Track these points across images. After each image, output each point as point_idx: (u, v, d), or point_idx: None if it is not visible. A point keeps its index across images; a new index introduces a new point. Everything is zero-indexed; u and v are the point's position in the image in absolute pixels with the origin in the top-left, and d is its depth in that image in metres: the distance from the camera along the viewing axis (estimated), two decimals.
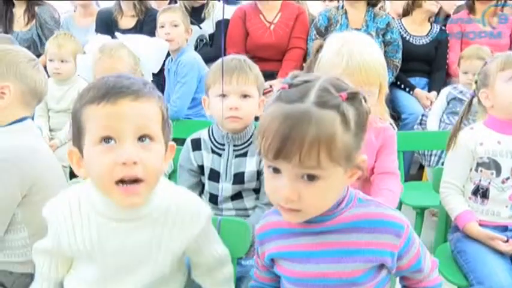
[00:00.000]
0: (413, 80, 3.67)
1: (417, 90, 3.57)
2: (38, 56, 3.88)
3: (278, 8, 3.63)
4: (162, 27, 3.01)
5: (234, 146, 1.83)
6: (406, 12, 3.80)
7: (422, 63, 3.71)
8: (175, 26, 2.96)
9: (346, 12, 3.53)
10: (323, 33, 3.53)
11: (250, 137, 1.84)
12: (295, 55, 3.54)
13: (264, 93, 3.32)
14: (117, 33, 2.22)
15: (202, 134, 1.89)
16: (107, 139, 1.03)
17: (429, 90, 3.63)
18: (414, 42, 3.69)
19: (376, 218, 1.04)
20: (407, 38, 3.69)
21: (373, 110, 1.60)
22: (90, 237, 1.12)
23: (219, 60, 1.86)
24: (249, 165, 1.82)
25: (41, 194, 1.41)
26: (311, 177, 0.94)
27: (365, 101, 1.00)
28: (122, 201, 1.05)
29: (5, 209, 1.38)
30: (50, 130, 2.89)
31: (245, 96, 1.78)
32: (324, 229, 1.04)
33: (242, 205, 1.86)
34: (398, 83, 3.63)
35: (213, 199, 1.86)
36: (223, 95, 1.77)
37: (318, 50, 2.60)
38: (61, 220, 1.14)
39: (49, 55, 2.91)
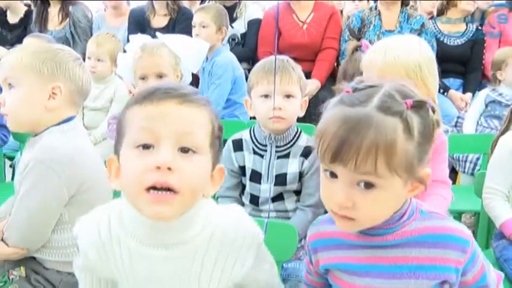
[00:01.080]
0: (447, 81, 3.61)
1: (452, 92, 3.51)
2: None
3: (311, 7, 3.61)
4: (194, 26, 3.02)
5: (276, 147, 1.81)
6: (441, 12, 3.74)
7: (457, 64, 3.65)
8: (204, 27, 2.97)
9: (379, 13, 3.49)
10: (356, 34, 3.50)
11: (293, 138, 1.82)
12: (329, 55, 3.51)
13: None
14: (158, 33, 2.21)
15: (244, 135, 1.88)
16: (144, 145, 0.91)
17: (464, 92, 3.57)
18: (449, 43, 3.63)
19: (440, 232, 0.99)
20: (442, 38, 3.63)
21: None
22: (123, 264, 0.99)
23: (262, 61, 1.85)
24: (291, 167, 1.81)
25: (88, 194, 1.41)
26: (368, 185, 0.91)
27: (433, 111, 0.95)
28: (149, 210, 0.90)
29: (53, 209, 1.38)
30: (85, 128, 2.89)
31: (288, 96, 1.77)
32: (385, 243, 1.00)
33: (283, 207, 1.84)
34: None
35: (254, 200, 1.85)
36: (267, 96, 1.76)
37: (353, 51, 2.59)
38: (90, 240, 1.01)
39: (87, 53, 2.93)
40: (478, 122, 3.01)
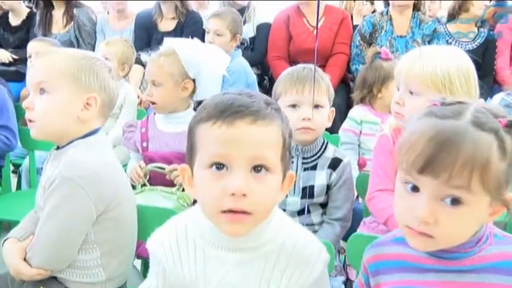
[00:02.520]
0: None
1: None
2: None
3: (322, 11, 3.55)
4: (208, 32, 2.94)
5: (303, 158, 1.75)
6: (452, 17, 3.69)
7: None
8: (219, 35, 2.89)
9: (391, 18, 3.43)
10: (367, 39, 3.44)
11: (320, 149, 1.76)
12: (339, 61, 3.46)
13: None
14: (175, 39, 2.12)
15: None
16: (218, 165, 0.94)
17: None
18: (460, 48, 3.57)
19: None
20: (453, 43, 3.59)
21: None
22: (196, 267, 1.03)
23: (290, 69, 1.79)
24: (319, 179, 1.74)
25: (115, 211, 1.33)
26: (454, 201, 0.87)
27: None
28: (225, 228, 0.96)
29: (80, 228, 1.30)
30: None
31: (317, 106, 1.70)
32: (461, 268, 0.94)
33: (309, 220, 1.78)
34: None
35: None
36: (295, 105, 1.70)
37: (373, 59, 2.53)
38: (167, 249, 1.05)
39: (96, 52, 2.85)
40: None
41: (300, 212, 1.77)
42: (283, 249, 1.02)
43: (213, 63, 2.01)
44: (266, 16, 3.69)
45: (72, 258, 1.30)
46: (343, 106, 3.28)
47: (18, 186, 2.82)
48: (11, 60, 3.81)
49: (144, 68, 3.54)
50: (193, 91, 2.04)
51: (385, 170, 1.62)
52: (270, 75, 3.68)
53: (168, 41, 2.11)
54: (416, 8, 3.45)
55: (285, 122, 1.01)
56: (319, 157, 1.76)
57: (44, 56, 1.37)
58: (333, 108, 1.80)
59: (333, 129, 2.78)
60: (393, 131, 1.65)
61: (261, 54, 3.56)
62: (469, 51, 3.46)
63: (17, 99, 3.65)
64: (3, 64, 3.84)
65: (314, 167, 1.75)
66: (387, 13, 3.47)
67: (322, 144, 1.78)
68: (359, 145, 2.51)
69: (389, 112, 2.45)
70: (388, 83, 2.41)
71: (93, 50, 3.81)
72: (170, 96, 1.98)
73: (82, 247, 1.31)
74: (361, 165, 2.51)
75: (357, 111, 2.50)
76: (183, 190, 1.89)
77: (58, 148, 1.38)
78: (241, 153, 0.92)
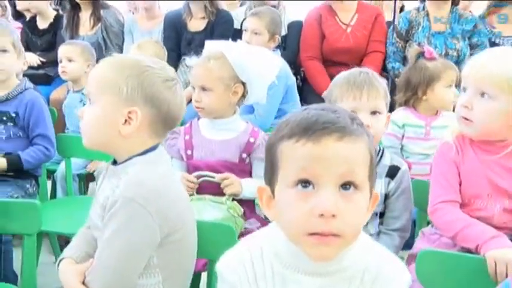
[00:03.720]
0: None
1: None
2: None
3: (354, 9, 3.46)
4: (246, 30, 2.85)
5: None
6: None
7: None
8: (256, 33, 2.80)
9: (428, 14, 3.33)
10: (403, 37, 3.34)
11: (376, 156, 1.68)
12: (375, 60, 3.36)
13: None
14: (220, 42, 2.02)
15: None
16: (304, 183, 0.88)
17: None
18: (502, 44, 3.45)
19: None
20: (494, 38, 3.46)
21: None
22: None
23: (346, 74, 1.70)
24: (376, 188, 1.65)
25: (180, 233, 1.25)
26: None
27: None
28: (312, 251, 0.91)
29: (144, 252, 1.21)
30: None
31: (374, 112, 1.62)
32: None
33: (365, 230, 1.67)
34: None
35: None
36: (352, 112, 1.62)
37: (417, 59, 2.43)
38: (242, 273, 0.99)
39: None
40: None
41: None
42: (367, 272, 0.97)
43: (264, 66, 1.92)
44: (296, 15, 3.60)
45: (133, 284, 1.22)
46: None
47: (53, 194, 2.77)
48: (39, 63, 3.78)
49: (175, 69, 3.55)
50: (243, 95, 1.96)
51: (448, 179, 1.53)
52: (302, 74, 3.59)
53: (210, 44, 2.03)
54: (454, 2, 3.33)
55: (371, 138, 0.96)
56: (376, 165, 1.67)
57: (97, 67, 1.30)
58: (390, 114, 1.72)
59: None
60: (456, 138, 1.56)
61: (293, 54, 3.48)
62: None
63: (47, 103, 3.61)
64: (32, 68, 3.81)
65: None
66: (424, 8, 3.36)
67: (379, 151, 1.70)
68: (402, 148, 2.41)
69: (435, 114, 2.39)
70: (434, 84, 2.31)
71: (121, 51, 3.77)
72: (220, 102, 1.90)
73: (144, 271, 1.23)
74: None
75: (399, 115, 2.40)
76: (233, 200, 1.83)
77: (115, 162, 1.31)
78: (329, 171, 0.87)
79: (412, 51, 2.43)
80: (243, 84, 1.92)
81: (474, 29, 3.29)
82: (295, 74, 3.58)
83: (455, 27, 3.28)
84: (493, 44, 3.36)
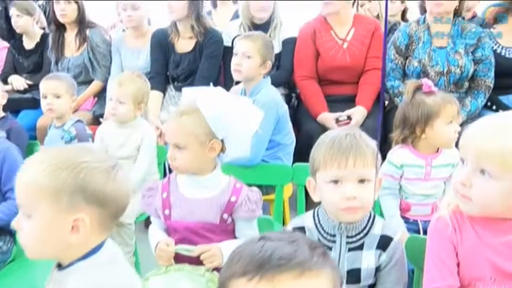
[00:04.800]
0: (505, 99, 3.25)
1: None
2: (90, 82, 3.68)
3: (351, 22, 3.27)
4: (236, 54, 2.68)
5: (347, 237, 1.52)
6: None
7: None
8: (248, 57, 2.62)
9: (428, 28, 3.13)
10: (403, 52, 3.15)
11: (366, 225, 1.52)
12: (373, 77, 3.17)
13: (341, 126, 3.00)
14: (208, 90, 1.84)
15: (307, 221, 1.58)
16: None
17: None
18: (506, 55, 3.25)
19: None
20: (498, 50, 3.26)
21: None
22: None
23: (330, 136, 1.53)
24: (366, 261, 1.51)
25: None
26: None
27: None
28: None
29: None
30: None
31: (363, 181, 1.46)
32: None
33: None
34: (489, 103, 3.22)
35: None
36: (337, 181, 1.46)
37: (414, 93, 2.23)
38: None
39: (109, 93, 2.65)
40: None
41: None
42: None
43: (243, 120, 1.76)
44: (293, 31, 3.41)
45: None
46: (378, 129, 3.02)
47: None
48: (26, 87, 3.64)
49: (163, 94, 3.40)
50: (222, 150, 1.80)
51: (444, 261, 1.36)
52: (297, 93, 3.42)
53: (187, 92, 1.87)
54: (457, 13, 3.13)
55: (336, 270, 0.86)
56: (365, 235, 1.52)
57: (24, 170, 1.12)
58: (381, 177, 1.56)
59: None
60: (453, 213, 1.39)
61: (287, 73, 3.31)
62: None
63: (33, 128, 3.49)
64: (19, 91, 3.69)
65: (360, 247, 1.52)
66: (424, 21, 3.16)
67: (369, 219, 1.54)
68: (400, 188, 2.25)
69: (435, 152, 2.22)
70: (433, 121, 2.12)
71: (108, 72, 3.62)
72: (196, 160, 1.74)
73: None
74: (404, 210, 2.27)
75: (397, 154, 2.22)
76: (213, 270, 1.69)
77: (60, 266, 1.17)
78: None
79: (409, 85, 2.24)
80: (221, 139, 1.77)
81: (478, 42, 3.09)
82: (290, 93, 3.43)
83: (457, 42, 3.08)
84: (496, 55, 3.17)
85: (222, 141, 1.77)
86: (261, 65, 2.63)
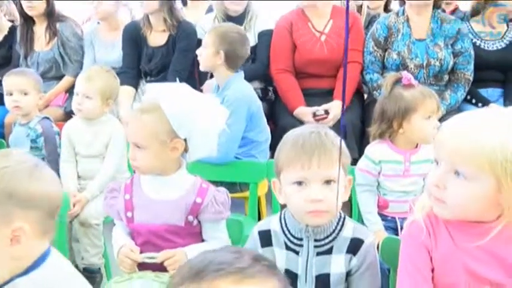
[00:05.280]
0: (484, 92, 3.20)
1: (493, 106, 3.09)
2: (61, 77, 3.56)
3: (329, 14, 3.18)
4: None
5: (315, 240, 1.43)
6: (476, 12, 3.29)
7: (496, 72, 3.23)
8: (205, 47, 2.57)
9: (408, 20, 3.06)
10: (382, 45, 3.08)
11: (335, 228, 1.44)
12: (352, 71, 3.08)
13: (318, 120, 2.92)
14: (172, 86, 1.74)
15: (273, 224, 1.49)
16: None
17: (505, 104, 3.15)
18: (486, 48, 3.20)
19: None
20: (478, 43, 3.20)
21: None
22: None
23: (294, 134, 1.44)
24: (335, 266, 1.43)
25: None
26: None
27: None
28: None
29: None
30: (79, 177, 2.52)
31: (329, 181, 1.37)
32: None
33: None
34: (468, 97, 3.16)
35: None
36: (301, 183, 1.37)
37: (393, 86, 2.16)
38: None
39: (76, 88, 2.53)
40: None
41: None
42: None
43: (208, 120, 1.67)
44: (270, 23, 3.31)
45: None
46: (358, 124, 2.94)
47: None
48: None
49: (135, 89, 3.29)
50: (186, 150, 1.71)
51: (418, 267, 1.28)
52: (274, 86, 3.33)
53: (151, 88, 1.78)
54: (436, 5, 3.06)
55: (285, 284, 0.80)
56: (334, 238, 1.44)
57: None
58: (350, 177, 1.47)
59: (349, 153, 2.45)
60: (428, 216, 1.31)
61: (263, 66, 3.21)
62: (496, 51, 3.16)
63: (1, 125, 3.36)
64: None
65: (329, 251, 1.43)
66: (403, 13, 3.09)
67: (339, 220, 1.46)
68: (378, 185, 2.17)
69: (414, 147, 2.15)
70: (411, 115, 2.05)
71: (81, 67, 3.50)
72: (157, 160, 1.65)
73: None
74: (382, 207, 2.20)
75: (374, 150, 2.14)
76: None
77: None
78: None
79: (388, 78, 2.15)
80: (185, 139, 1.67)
81: (457, 34, 3.02)
82: (266, 87, 3.34)
83: (437, 34, 3.02)
84: (475, 48, 3.10)
85: (186, 140, 1.68)
86: (214, 55, 2.55)
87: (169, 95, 1.67)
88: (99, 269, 2.48)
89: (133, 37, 3.28)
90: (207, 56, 2.59)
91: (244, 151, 2.56)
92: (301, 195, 1.36)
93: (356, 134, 2.88)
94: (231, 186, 2.64)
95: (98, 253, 2.45)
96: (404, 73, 2.13)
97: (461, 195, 1.18)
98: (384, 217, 2.18)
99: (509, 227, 1.20)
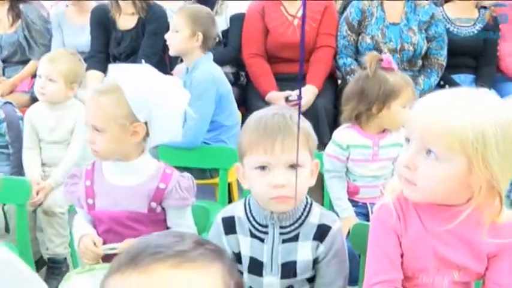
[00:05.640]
0: (457, 78, 3.19)
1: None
2: (27, 61, 3.44)
3: None
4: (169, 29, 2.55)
5: (281, 227, 1.39)
6: None
7: (468, 58, 3.22)
8: (176, 31, 2.49)
9: (381, 4, 3.02)
10: (355, 29, 3.04)
11: (302, 214, 1.40)
12: (325, 55, 3.04)
13: (291, 105, 2.86)
14: (135, 67, 1.66)
15: (237, 211, 1.44)
16: None
17: None
18: (459, 34, 3.19)
19: None
20: (451, 29, 3.19)
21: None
22: None
23: (257, 116, 1.39)
24: (302, 253, 1.39)
25: None
26: None
27: None
28: None
29: None
30: (43, 165, 2.44)
31: (294, 166, 1.31)
32: None
33: None
34: (442, 82, 3.15)
35: None
36: (264, 167, 1.32)
37: (376, 67, 2.08)
38: None
39: (38, 70, 2.43)
40: None
41: None
42: None
43: (168, 102, 1.59)
44: (241, 7, 3.24)
45: None
46: (331, 109, 2.90)
47: None
48: None
49: (104, 73, 3.19)
50: (147, 134, 1.64)
51: (386, 253, 1.25)
52: (246, 71, 3.27)
53: (113, 69, 1.70)
54: None
55: (230, 268, 0.74)
56: (301, 224, 1.39)
57: None
58: (317, 161, 1.42)
59: (322, 139, 2.41)
60: (397, 199, 1.27)
61: (235, 50, 3.14)
62: (469, 38, 3.15)
63: None
64: None
65: (295, 238, 1.39)
66: None
67: (305, 206, 1.41)
68: (347, 170, 2.14)
69: (382, 132, 2.11)
70: (392, 101, 1.99)
71: (48, 50, 3.37)
72: (117, 144, 1.58)
73: None
74: (352, 193, 2.16)
75: (342, 135, 2.09)
76: None
77: None
78: None
79: (370, 57, 2.06)
80: (146, 122, 1.60)
81: (431, 19, 3.00)
82: (238, 72, 3.28)
83: (411, 18, 2.99)
84: (448, 33, 3.09)
85: (147, 124, 1.61)
86: (191, 37, 2.48)
87: (129, 76, 1.60)
88: (65, 259, 2.41)
89: (102, 20, 3.18)
90: (181, 39, 2.51)
91: (214, 136, 2.51)
92: (264, 180, 1.30)
93: (329, 118, 2.84)
94: (201, 173, 2.59)
95: (63, 243, 2.37)
96: (386, 55, 2.07)
97: (432, 176, 1.15)
98: (354, 203, 2.15)
99: (478, 210, 1.19)
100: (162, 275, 0.68)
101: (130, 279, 0.68)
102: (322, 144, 2.22)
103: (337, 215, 2.10)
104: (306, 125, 1.38)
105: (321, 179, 2.20)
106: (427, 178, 1.16)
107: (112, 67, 1.70)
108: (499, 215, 1.19)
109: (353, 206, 2.12)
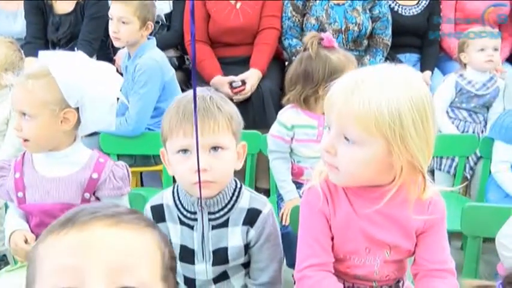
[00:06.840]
0: (403, 57, 3.22)
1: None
2: None
3: None
4: (111, 19, 2.45)
5: (209, 213, 1.37)
6: None
7: (413, 37, 3.26)
8: (124, 23, 2.41)
9: None
10: (300, 10, 3.02)
11: (230, 198, 1.38)
12: (269, 37, 3.00)
13: (236, 92, 2.84)
14: (66, 53, 1.61)
15: (166, 198, 1.42)
16: None
17: (422, 69, 3.19)
18: (403, 13, 3.21)
19: None
20: (396, 8, 3.22)
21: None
22: None
23: (176, 100, 1.36)
24: (233, 239, 1.38)
25: None
26: None
27: None
28: None
29: None
30: None
31: (216, 148, 1.30)
32: None
33: (229, 286, 1.44)
34: (387, 62, 3.17)
35: (190, 284, 1.43)
36: (186, 151, 1.29)
37: (317, 45, 2.05)
38: None
39: None
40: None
41: (217, 279, 1.42)
42: None
43: (100, 87, 1.55)
44: None
45: None
46: (277, 91, 2.89)
47: None
48: None
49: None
50: (79, 122, 1.59)
51: (316, 237, 1.25)
52: None
53: (43, 55, 1.64)
54: None
55: (164, 237, 0.77)
56: (230, 209, 1.38)
57: None
58: (244, 143, 1.40)
59: (268, 122, 2.40)
60: (326, 182, 1.26)
61: (178, 34, 3.08)
62: (413, 17, 3.18)
63: None
64: None
65: (225, 223, 1.38)
66: None
67: (234, 190, 1.39)
68: (292, 151, 2.14)
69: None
70: (336, 80, 2.00)
71: None
72: (46, 131, 1.52)
73: None
74: (297, 175, 2.16)
75: (287, 115, 2.09)
76: None
77: None
78: (97, 265, 0.66)
79: (310, 37, 2.03)
80: (77, 109, 1.55)
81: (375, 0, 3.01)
82: (183, 56, 3.23)
83: None
84: (392, 13, 3.11)
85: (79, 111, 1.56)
86: (141, 28, 2.42)
87: (60, 61, 1.54)
88: (4, 255, 2.34)
89: (37, 4, 3.04)
90: (132, 31, 2.44)
91: (157, 122, 2.45)
92: (186, 164, 1.28)
93: (275, 101, 2.82)
94: (146, 159, 2.56)
95: (1, 239, 2.30)
96: (326, 34, 2.05)
97: (351, 161, 1.14)
98: (299, 185, 2.14)
99: (404, 189, 1.19)
100: (100, 232, 0.68)
101: (67, 237, 0.68)
102: (268, 127, 2.22)
103: (282, 198, 2.13)
104: (229, 106, 1.35)
105: (268, 161, 2.20)
106: (347, 163, 1.15)
107: (42, 53, 1.64)
108: (423, 193, 1.20)
109: (297, 188, 2.11)
